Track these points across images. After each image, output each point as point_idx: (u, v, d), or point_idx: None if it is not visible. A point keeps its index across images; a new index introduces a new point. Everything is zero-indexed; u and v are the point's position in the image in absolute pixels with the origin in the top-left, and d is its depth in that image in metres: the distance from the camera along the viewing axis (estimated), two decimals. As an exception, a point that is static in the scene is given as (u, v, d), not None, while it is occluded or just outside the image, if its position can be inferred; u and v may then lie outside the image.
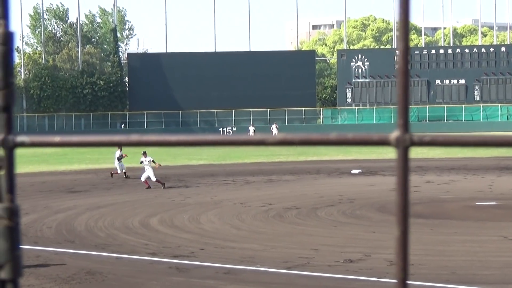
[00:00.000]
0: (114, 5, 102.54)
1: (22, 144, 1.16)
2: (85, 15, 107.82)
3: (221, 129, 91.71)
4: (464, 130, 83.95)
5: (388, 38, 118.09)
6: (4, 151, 1.17)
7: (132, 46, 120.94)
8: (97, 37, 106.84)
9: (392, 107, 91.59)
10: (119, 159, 36.72)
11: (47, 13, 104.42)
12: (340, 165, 42.10)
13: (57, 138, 1.16)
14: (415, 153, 51.01)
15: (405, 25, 1.09)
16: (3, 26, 1.17)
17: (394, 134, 1.10)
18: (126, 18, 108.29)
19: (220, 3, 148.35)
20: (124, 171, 36.76)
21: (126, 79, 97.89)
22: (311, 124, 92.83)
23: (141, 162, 32.29)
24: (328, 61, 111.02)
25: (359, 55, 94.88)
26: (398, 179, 1.09)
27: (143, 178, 31.82)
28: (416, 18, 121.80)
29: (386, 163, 39.58)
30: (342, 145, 1.12)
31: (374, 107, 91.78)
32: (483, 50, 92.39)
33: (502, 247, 17.14)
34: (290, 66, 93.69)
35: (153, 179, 31.55)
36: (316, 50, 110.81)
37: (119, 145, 1.17)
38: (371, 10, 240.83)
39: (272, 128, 78.24)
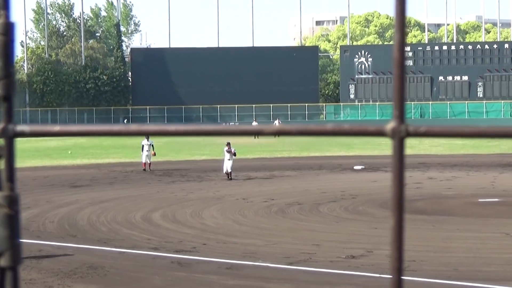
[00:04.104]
0: (118, 0, 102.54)
1: (22, 134, 1.18)
2: (91, 8, 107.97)
3: (223, 124, 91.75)
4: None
5: (392, 34, 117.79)
6: (4, 140, 1.18)
7: (136, 41, 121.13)
8: (100, 32, 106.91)
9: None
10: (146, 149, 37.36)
11: (51, 8, 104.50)
12: (343, 161, 42.09)
13: (56, 128, 1.17)
14: (418, 149, 50.99)
15: (400, 16, 1.10)
16: (4, 16, 1.18)
17: (390, 125, 1.11)
18: (132, 13, 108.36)
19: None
20: (149, 162, 37.37)
21: (129, 74, 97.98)
22: (313, 120, 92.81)
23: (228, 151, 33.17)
24: (331, 57, 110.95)
25: (362, 51, 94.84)
26: (394, 169, 1.11)
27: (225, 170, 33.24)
28: (420, 14, 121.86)
29: (389, 159, 39.52)
30: (339, 135, 1.13)
31: (377, 103, 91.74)
32: (486, 46, 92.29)
33: (504, 244, 17.13)
34: (293, 62, 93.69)
35: (228, 170, 32.89)
36: (319, 46, 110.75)
37: (120, 135, 1.18)
38: (374, 6, 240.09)
39: (275, 124, 78.22)
